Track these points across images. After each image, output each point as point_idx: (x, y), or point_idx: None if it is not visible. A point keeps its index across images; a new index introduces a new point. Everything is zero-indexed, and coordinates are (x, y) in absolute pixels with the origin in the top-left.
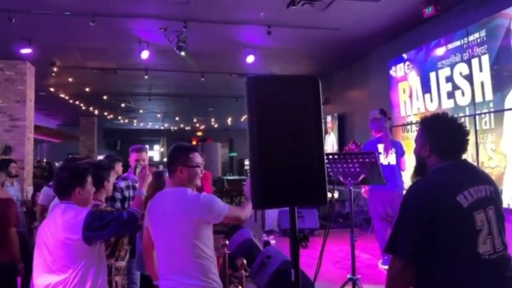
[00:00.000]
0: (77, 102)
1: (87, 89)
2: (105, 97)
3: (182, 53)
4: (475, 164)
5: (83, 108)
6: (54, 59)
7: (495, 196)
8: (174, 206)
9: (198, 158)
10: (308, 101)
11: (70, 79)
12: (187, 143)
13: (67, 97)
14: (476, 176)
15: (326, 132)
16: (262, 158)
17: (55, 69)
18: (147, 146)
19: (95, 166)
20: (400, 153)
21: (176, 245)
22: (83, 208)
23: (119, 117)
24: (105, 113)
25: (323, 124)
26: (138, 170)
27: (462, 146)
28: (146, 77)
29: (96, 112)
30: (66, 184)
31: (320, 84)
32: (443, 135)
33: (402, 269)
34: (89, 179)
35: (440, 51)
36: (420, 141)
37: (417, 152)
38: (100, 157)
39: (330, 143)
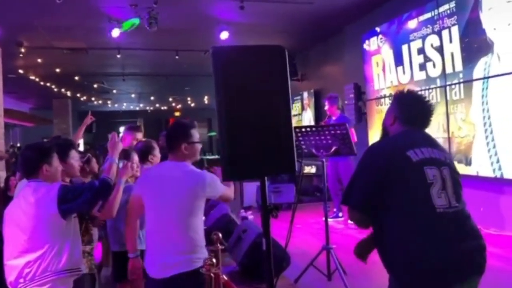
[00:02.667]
0: (48, 84)
1: (57, 70)
2: (77, 78)
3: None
4: (445, 134)
5: (55, 90)
6: (21, 39)
7: (450, 163)
8: (176, 179)
9: (197, 134)
10: (275, 71)
11: (39, 60)
12: (186, 120)
13: (37, 79)
14: (432, 142)
15: (303, 109)
16: (230, 129)
17: (22, 50)
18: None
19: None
20: None
21: (173, 217)
22: (53, 184)
23: (93, 99)
24: (78, 95)
25: (290, 93)
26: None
27: (424, 118)
28: (118, 56)
29: (68, 93)
30: (32, 163)
31: (286, 53)
32: (408, 105)
33: (357, 218)
34: (55, 155)
35: (412, 24)
36: (388, 111)
37: (383, 121)
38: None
39: (307, 120)
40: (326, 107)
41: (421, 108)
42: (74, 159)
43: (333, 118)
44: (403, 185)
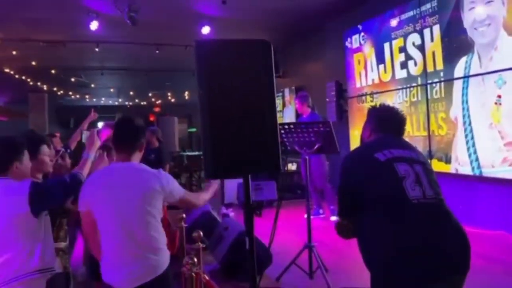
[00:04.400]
0: (23, 77)
1: (33, 63)
2: (53, 72)
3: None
4: (425, 133)
5: (31, 83)
6: None
7: (423, 161)
8: (133, 179)
9: None
10: (259, 66)
11: (14, 52)
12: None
13: (12, 72)
14: (404, 145)
15: (284, 105)
16: (213, 125)
17: None
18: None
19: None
20: None
21: (135, 222)
22: (23, 181)
23: (70, 93)
24: (55, 89)
25: (275, 89)
26: (84, 136)
27: (396, 125)
28: (97, 50)
29: (45, 87)
30: (3, 160)
31: (272, 47)
32: (380, 116)
33: (344, 224)
34: (26, 152)
35: (393, 22)
36: (364, 126)
37: (361, 136)
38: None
39: (288, 116)
40: (297, 106)
41: (393, 117)
42: (45, 154)
43: (304, 116)
44: (374, 183)
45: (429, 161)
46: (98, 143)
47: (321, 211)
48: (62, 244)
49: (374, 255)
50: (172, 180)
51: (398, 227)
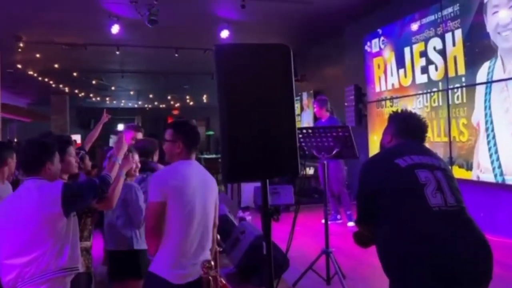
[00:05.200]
0: (46, 80)
1: (56, 66)
2: (75, 74)
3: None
4: (446, 139)
5: (53, 85)
6: (19, 34)
7: (445, 168)
8: (210, 180)
9: None
10: (279, 70)
11: (37, 55)
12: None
13: (35, 74)
14: (425, 151)
15: (302, 109)
16: (232, 129)
17: (21, 45)
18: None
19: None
20: None
21: (210, 219)
22: (56, 182)
23: (91, 95)
24: (76, 91)
25: (294, 93)
26: (111, 141)
27: (417, 131)
28: (117, 53)
29: (67, 89)
30: (36, 159)
31: (291, 52)
32: (401, 122)
33: (360, 232)
34: (57, 153)
35: (414, 26)
36: (385, 131)
37: (381, 141)
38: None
39: (306, 121)
40: (315, 109)
41: (414, 123)
42: (72, 155)
43: (322, 120)
44: (395, 189)
45: (450, 167)
46: (125, 147)
47: (338, 216)
48: (87, 244)
49: (393, 262)
50: None
51: (418, 234)
